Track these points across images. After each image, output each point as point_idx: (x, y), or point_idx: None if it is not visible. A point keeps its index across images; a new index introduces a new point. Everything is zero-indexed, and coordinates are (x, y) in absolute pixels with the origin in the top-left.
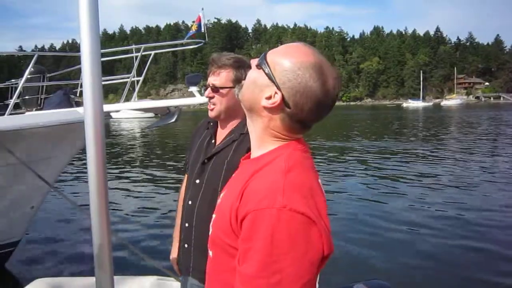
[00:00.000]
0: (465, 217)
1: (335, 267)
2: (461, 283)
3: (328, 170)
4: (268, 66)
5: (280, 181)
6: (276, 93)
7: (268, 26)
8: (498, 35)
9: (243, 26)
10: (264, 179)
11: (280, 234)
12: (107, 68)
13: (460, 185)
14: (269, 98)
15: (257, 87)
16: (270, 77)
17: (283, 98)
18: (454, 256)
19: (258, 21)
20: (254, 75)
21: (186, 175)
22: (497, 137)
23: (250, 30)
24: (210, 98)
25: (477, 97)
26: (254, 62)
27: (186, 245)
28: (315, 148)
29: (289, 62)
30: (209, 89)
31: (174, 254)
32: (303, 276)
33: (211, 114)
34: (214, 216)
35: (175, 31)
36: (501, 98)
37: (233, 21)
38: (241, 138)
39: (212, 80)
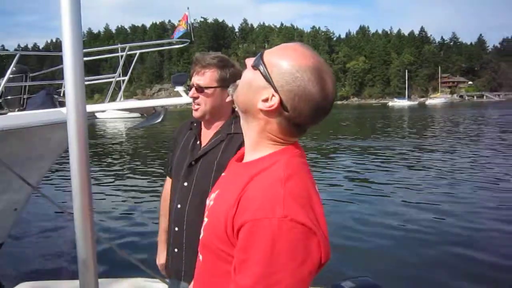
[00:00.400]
0: (449, 218)
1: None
2: (442, 284)
3: (313, 170)
4: (265, 67)
5: (279, 190)
6: (273, 95)
7: (255, 26)
8: (481, 35)
9: (230, 25)
10: (261, 187)
11: (281, 244)
12: (92, 68)
13: (443, 185)
14: (266, 100)
15: (253, 88)
16: (267, 78)
17: (281, 101)
18: (438, 256)
19: (245, 21)
20: (250, 75)
21: (168, 178)
22: (480, 137)
23: (236, 30)
24: (195, 98)
25: (461, 96)
26: (249, 61)
27: (176, 250)
28: None
29: (287, 64)
30: (193, 89)
31: (161, 259)
32: (299, 286)
33: (196, 114)
34: (206, 219)
35: (161, 30)
36: (484, 97)
37: (220, 20)
38: (228, 138)
39: (196, 80)
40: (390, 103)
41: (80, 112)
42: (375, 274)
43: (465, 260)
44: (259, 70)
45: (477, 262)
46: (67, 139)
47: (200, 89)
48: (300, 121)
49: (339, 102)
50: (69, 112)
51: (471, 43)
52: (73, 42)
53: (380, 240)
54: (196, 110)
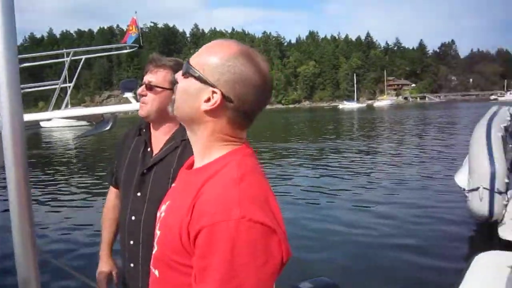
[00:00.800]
0: (398, 215)
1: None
2: (397, 279)
3: (266, 173)
4: (196, 70)
5: (234, 191)
6: (214, 92)
7: (206, 31)
8: (421, 40)
9: (181, 30)
10: (216, 190)
11: (241, 246)
12: (36, 74)
13: (391, 183)
14: (208, 100)
15: (192, 94)
16: (202, 79)
17: (223, 95)
18: (390, 253)
19: (196, 26)
20: (183, 84)
21: (111, 188)
22: (422, 137)
23: (188, 35)
24: (142, 95)
25: (406, 98)
26: (178, 74)
27: (132, 265)
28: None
29: (216, 58)
30: (143, 86)
31: (103, 267)
32: (263, 287)
33: (141, 112)
34: (158, 232)
35: (110, 35)
36: (426, 98)
37: (170, 25)
38: (183, 145)
39: (148, 77)
40: (340, 106)
41: (16, 122)
42: (329, 274)
43: (410, 258)
44: (191, 75)
45: (420, 260)
46: (2, 152)
47: (149, 87)
48: (247, 108)
49: (291, 106)
50: (4, 122)
51: (413, 48)
52: (6, 46)
53: (331, 242)
54: (142, 108)
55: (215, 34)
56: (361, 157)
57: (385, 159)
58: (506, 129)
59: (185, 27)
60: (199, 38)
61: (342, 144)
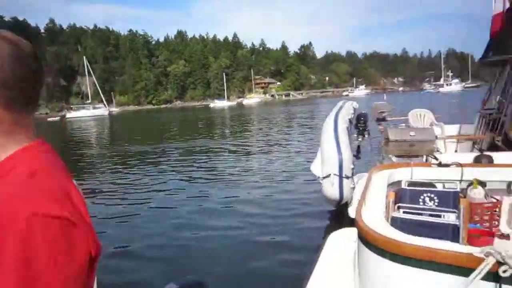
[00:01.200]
0: (264, 212)
1: (145, 273)
2: (266, 275)
3: (128, 178)
4: None
5: (22, 188)
6: None
7: (64, 27)
8: (283, 41)
9: (33, 25)
10: (2, 191)
11: (36, 246)
12: None
13: (257, 180)
14: None
15: None
16: None
17: None
18: (259, 251)
19: (52, 21)
20: None
21: None
22: (286, 130)
23: (42, 30)
24: None
25: (272, 95)
26: None
27: None
28: (119, 154)
29: None
30: None
31: None
32: (70, 285)
33: None
34: None
35: None
36: (291, 95)
37: (20, 19)
38: None
39: None
40: (212, 105)
41: None
42: (197, 273)
43: (278, 252)
44: None
45: (286, 251)
46: None
47: None
48: (9, 78)
49: (163, 106)
50: None
51: (276, 49)
52: None
53: (198, 246)
54: None
55: (75, 31)
56: (228, 156)
57: (253, 156)
58: (350, 121)
59: (38, 21)
60: (57, 34)
61: (212, 143)
